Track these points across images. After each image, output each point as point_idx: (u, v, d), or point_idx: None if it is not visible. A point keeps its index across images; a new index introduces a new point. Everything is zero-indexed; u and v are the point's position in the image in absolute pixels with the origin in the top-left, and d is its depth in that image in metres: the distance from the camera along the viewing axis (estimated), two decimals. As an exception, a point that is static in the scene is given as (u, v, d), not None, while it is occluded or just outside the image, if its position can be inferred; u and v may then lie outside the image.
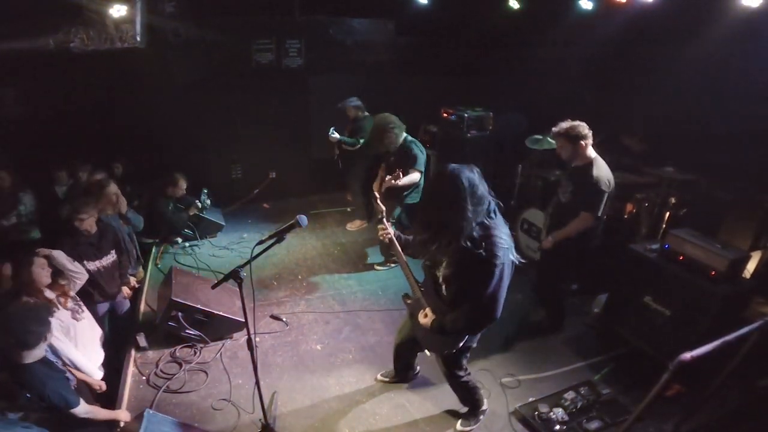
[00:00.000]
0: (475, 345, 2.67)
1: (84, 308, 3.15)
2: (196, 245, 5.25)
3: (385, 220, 2.70)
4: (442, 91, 6.17)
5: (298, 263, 5.01)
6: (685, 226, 3.52)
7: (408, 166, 4.29)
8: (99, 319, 3.49)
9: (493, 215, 2.24)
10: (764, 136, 3.75)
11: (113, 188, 4.07)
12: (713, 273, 3.10)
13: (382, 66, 6.42)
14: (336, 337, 3.89)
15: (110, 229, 3.69)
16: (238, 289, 2.38)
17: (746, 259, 3.29)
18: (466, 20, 6.10)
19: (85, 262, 3.38)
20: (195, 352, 3.62)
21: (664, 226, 4.20)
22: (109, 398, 3.05)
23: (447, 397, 3.20)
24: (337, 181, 6.13)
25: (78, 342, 2.95)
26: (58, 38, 4.28)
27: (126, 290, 3.84)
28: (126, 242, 3.98)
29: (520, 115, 5.90)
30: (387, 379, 3.40)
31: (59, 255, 3.06)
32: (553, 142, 3.74)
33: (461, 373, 2.82)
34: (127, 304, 3.92)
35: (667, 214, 4.22)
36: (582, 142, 3.34)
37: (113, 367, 3.29)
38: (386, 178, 3.87)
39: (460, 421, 3.05)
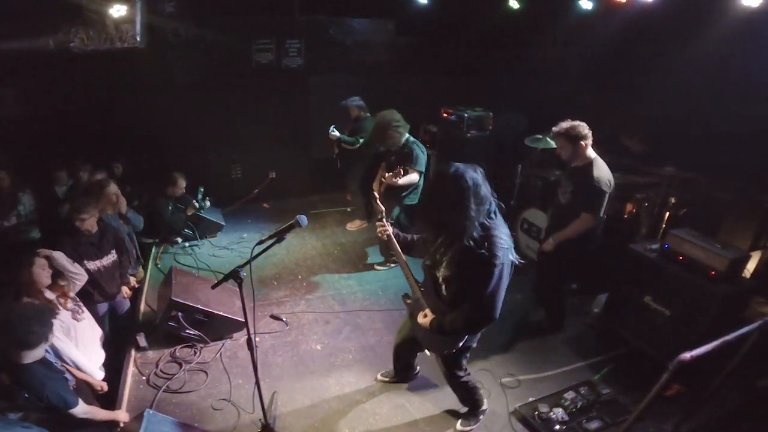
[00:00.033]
0: (474, 345, 2.67)
1: (84, 309, 3.16)
2: (196, 245, 5.26)
3: (384, 219, 2.70)
4: (442, 91, 6.17)
5: (298, 263, 5.01)
6: (685, 226, 3.52)
7: (408, 166, 4.28)
8: (99, 319, 3.49)
9: (493, 216, 2.24)
10: (764, 136, 3.75)
11: (113, 188, 4.07)
12: (713, 273, 3.10)
13: (382, 66, 6.42)
14: (336, 337, 3.89)
15: (111, 229, 3.69)
16: (238, 289, 2.38)
17: (746, 258, 3.29)
18: (466, 20, 6.10)
19: (85, 261, 3.39)
20: (195, 352, 3.62)
21: (664, 226, 4.20)
22: (109, 398, 3.05)
23: (447, 397, 3.20)
24: (337, 181, 6.13)
25: (78, 342, 2.96)
26: (58, 38, 4.28)
27: (126, 290, 3.84)
28: (126, 242, 3.98)
29: (520, 115, 5.90)
30: (387, 379, 3.40)
31: (60, 256, 3.06)
32: (553, 142, 3.74)
33: (461, 374, 2.82)
34: (127, 304, 3.92)
35: (667, 214, 4.22)
36: (582, 143, 3.34)
37: (113, 367, 3.29)
38: (387, 175, 3.85)
39: (460, 421, 3.05)
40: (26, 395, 2.35)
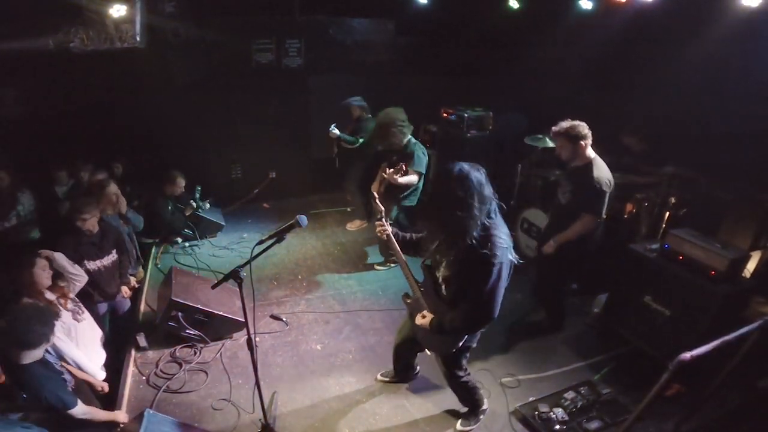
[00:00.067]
0: (474, 345, 2.67)
1: (83, 309, 3.16)
2: (196, 245, 5.26)
3: (383, 219, 2.70)
4: (442, 91, 6.17)
5: (298, 263, 5.01)
6: (685, 226, 3.52)
7: (408, 166, 4.28)
8: (99, 319, 3.50)
9: (492, 215, 2.24)
10: (764, 136, 3.75)
11: (113, 188, 4.08)
12: (713, 273, 3.10)
13: (382, 66, 6.42)
14: (336, 337, 3.89)
15: (112, 229, 3.69)
16: (238, 289, 2.38)
17: (746, 258, 3.28)
18: (466, 20, 6.10)
19: (86, 261, 3.39)
20: (195, 352, 3.62)
21: (664, 225, 4.19)
22: (109, 398, 3.05)
23: (447, 397, 3.20)
24: (337, 181, 6.12)
25: (79, 343, 2.96)
26: (58, 38, 4.28)
27: (126, 290, 3.84)
28: (126, 242, 3.98)
29: (520, 115, 5.90)
30: (387, 379, 3.40)
31: (60, 257, 3.07)
32: (552, 143, 3.74)
33: (461, 373, 2.82)
34: (127, 304, 3.92)
35: (667, 213, 4.21)
36: (582, 142, 3.33)
37: (113, 367, 3.29)
38: (389, 171, 3.84)
39: (460, 421, 3.05)
40: (24, 395, 2.35)
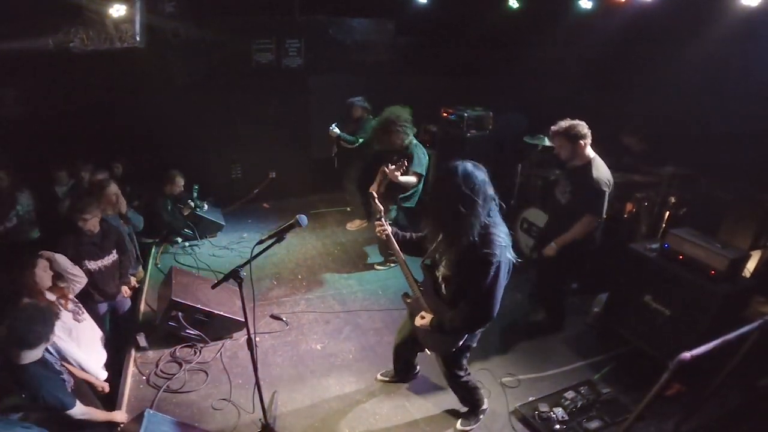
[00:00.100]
0: (475, 344, 2.67)
1: (83, 310, 3.16)
2: (196, 245, 5.26)
3: (383, 219, 2.70)
4: (442, 91, 6.17)
5: (298, 263, 5.01)
6: (685, 226, 3.52)
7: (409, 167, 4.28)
8: (99, 319, 3.50)
9: (491, 214, 2.25)
10: (764, 136, 3.75)
11: (113, 188, 4.08)
12: (713, 272, 3.10)
13: (382, 66, 6.42)
14: (336, 336, 3.89)
15: (113, 229, 3.69)
16: (238, 289, 2.38)
17: (746, 258, 3.29)
18: (466, 20, 6.10)
19: (86, 262, 3.39)
20: (195, 352, 3.62)
21: (664, 225, 4.20)
22: (109, 398, 3.05)
23: (447, 397, 3.20)
24: (337, 181, 6.12)
25: (81, 343, 2.96)
26: (58, 38, 4.28)
27: (126, 290, 3.84)
28: (126, 242, 3.98)
29: (520, 114, 5.90)
30: (387, 379, 3.40)
31: (61, 258, 3.07)
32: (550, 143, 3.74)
33: (461, 373, 2.82)
34: (128, 303, 3.92)
35: (667, 213, 4.22)
36: (581, 142, 3.33)
37: (114, 367, 3.29)
38: (390, 168, 3.82)
39: (460, 421, 3.05)
40: (24, 395, 2.35)
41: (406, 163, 3.83)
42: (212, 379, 3.39)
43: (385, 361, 3.49)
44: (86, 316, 3.16)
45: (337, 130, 5.36)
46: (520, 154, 5.46)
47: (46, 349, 2.60)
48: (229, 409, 3.16)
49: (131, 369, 3.44)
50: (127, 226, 4.27)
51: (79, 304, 3.14)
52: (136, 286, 4.11)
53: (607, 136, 3.89)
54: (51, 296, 2.91)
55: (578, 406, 3.11)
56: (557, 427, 2.96)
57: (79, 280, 3.15)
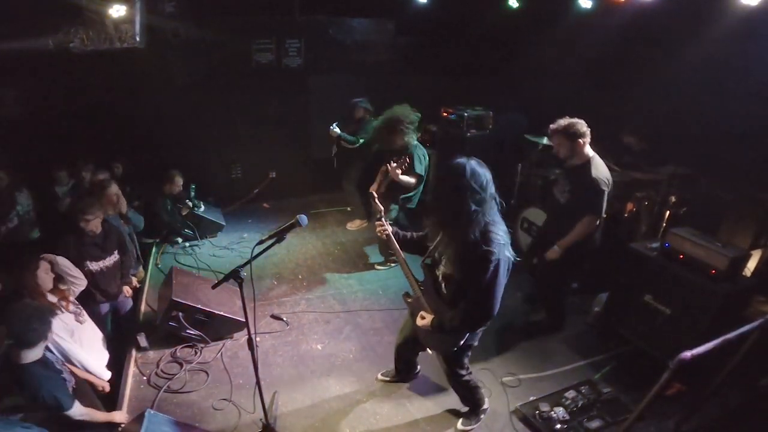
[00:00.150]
0: (476, 343, 2.67)
1: (84, 312, 3.16)
2: (196, 245, 5.26)
3: (383, 218, 2.71)
4: (442, 90, 6.17)
5: (298, 263, 5.01)
6: (686, 225, 3.52)
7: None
8: (101, 319, 3.50)
9: (491, 213, 2.25)
10: (764, 136, 3.75)
11: (114, 189, 4.08)
12: (713, 272, 3.10)
13: (382, 66, 6.42)
14: (336, 336, 3.89)
15: (114, 230, 3.69)
16: (238, 289, 2.38)
17: (746, 257, 3.29)
18: (466, 20, 6.10)
19: (88, 262, 3.39)
20: (196, 352, 3.62)
21: (664, 224, 4.20)
22: (110, 398, 3.05)
23: (448, 397, 3.20)
24: (337, 181, 6.12)
25: (83, 344, 2.97)
26: (58, 38, 4.28)
27: (127, 290, 3.84)
28: (127, 242, 3.98)
29: (520, 114, 5.90)
30: (387, 379, 3.40)
31: (62, 261, 3.08)
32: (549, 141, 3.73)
33: (463, 372, 2.83)
34: (129, 303, 3.92)
35: (668, 212, 4.22)
36: (580, 140, 3.32)
37: (115, 367, 3.29)
38: (391, 165, 3.80)
39: (461, 420, 3.05)
40: (23, 395, 2.35)
41: (407, 161, 3.81)
42: (213, 379, 3.39)
43: (385, 361, 3.49)
44: (87, 317, 3.16)
45: (337, 130, 5.36)
46: (520, 154, 5.46)
47: (48, 349, 2.61)
48: (229, 409, 3.16)
49: (132, 369, 3.44)
50: (128, 226, 4.27)
51: (80, 306, 3.15)
52: (137, 286, 4.11)
53: (607, 136, 3.89)
54: (52, 298, 2.92)
55: (579, 405, 3.11)
56: (558, 426, 2.96)
57: (79, 282, 3.15)
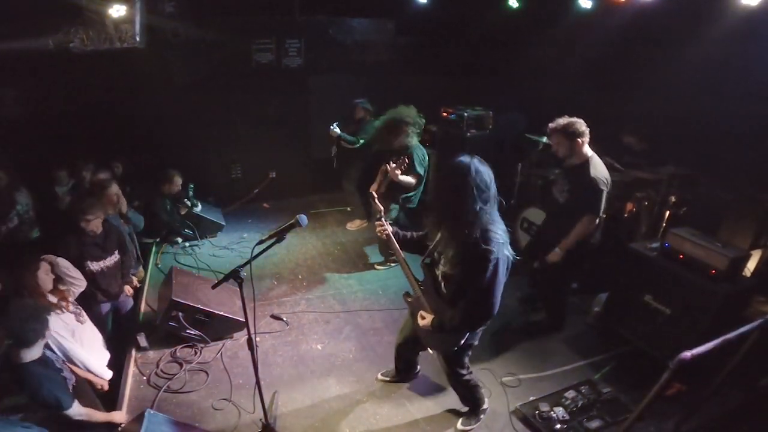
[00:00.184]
0: (476, 343, 2.67)
1: (83, 312, 3.16)
2: (196, 245, 5.26)
3: (383, 218, 2.71)
4: (442, 90, 6.17)
5: (298, 263, 5.01)
6: (685, 225, 3.52)
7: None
8: (102, 319, 3.50)
9: (491, 212, 2.26)
10: (764, 136, 3.75)
11: (114, 189, 4.08)
12: (713, 272, 3.10)
13: (382, 66, 6.42)
14: (336, 336, 3.89)
15: (115, 230, 3.69)
16: (238, 289, 2.38)
17: (746, 257, 3.29)
18: (466, 20, 6.10)
19: (88, 262, 3.39)
20: (195, 352, 3.62)
21: (664, 224, 4.20)
22: (110, 398, 3.05)
23: (448, 397, 3.21)
24: (337, 181, 6.13)
25: (83, 344, 2.97)
26: (58, 38, 4.28)
27: (128, 289, 3.85)
28: (127, 242, 3.98)
29: (520, 114, 5.90)
30: (387, 379, 3.40)
31: (62, 262, 3.08)
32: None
33: (463, 372, 2.83)
34: (130, 303, 3.92)
35: (667, 212, 4.22)
36: (579, 140, 3.32)
37: (115, 367, 3.29)
38: (391, 166, 3.81)
39: (460, 420, 3.05)
40: (24, 394, 2.35)
41: (407, 161, 3.82)
42: (213, 379, 3.39)
43: (385, 361, 3.49)
44: (86, 317, 3.16)
45: (337, 130, 5.36)
46: (520, 154, 5.46)
47: (49, 348, 2.61)
48: (229, 409, 3.16)
49: (132, 369, 3.44)
50: (128, 226, 4.27)
51: (79, 307, 3.15)
52: (138, 285, 4.11)
53: (607, 136, 3.89)
54: (52, 298, 2.92)
55: (579, 405, 3.11)
56: (558, 426, 2.96)
57: (78, 283, 3.15)
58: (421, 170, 4.38)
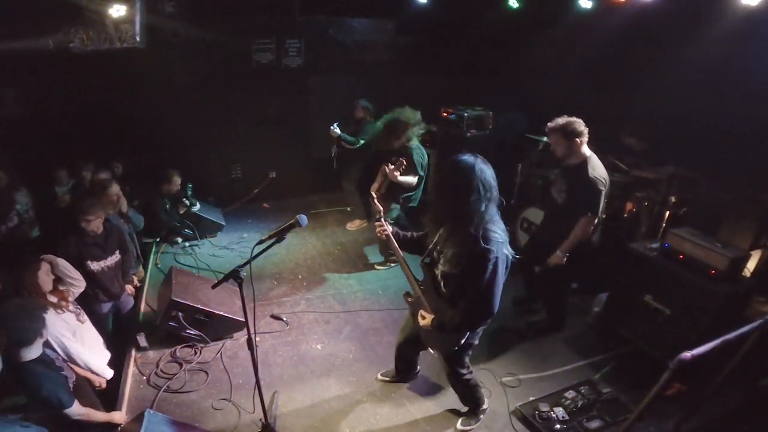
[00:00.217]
0: (476, 342, 2.67)
1: (83, 312, 3.16)
2: (196, 245, 5.26)
3: (382, 219, 2.71)
4: (442, 90, 6.17)
5: (298, 263, 5.01)
6: (685, 225, 3.52)
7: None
8: (102, 319, 3.50)
9: (491, 211, 2.26)
10: (764, 136, 3.75)
11: (115, 188, 4.08)
12: (713, 272, 3.10)
13: (382, 66, 6.42)
14: (336, 336, 3.89)
15: (116, 230, 3.69)
16: (238, 289, 2.38)
17: (746, 257, 3.28)
18: (466, 20, 6.10)
19: (89, 262, 3.39)
20: (195, 352, 3.62)
21: (664, 225, 4.20)
22: (109, 398, 3.05)
23: (448, 397, 3.21)
24: (337, 181, 6.13)
25: (84, 343, 2.97)
26: (58, 38, 4.28)
27: (129, 288, 3.85)
28: (127, 241, 3.98)
29: (520, 114, 5.90)
30: (387, 379, 3.40)
31: (62, 262, 3.08)
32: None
33: (464, 371, 2.83)
34: (131, 302, 3.92)
35: (667, 213, 4.22)
36: (577, 140, 3.31)
37: (115, 367, 3.29)
38: (390, 167, 3.82)
39: (460, 420, 3.05)
40: (24, 393, 2.35)
41: (405, 163, 3.82)
42: (212, 379, 3.39)
43: (385, 361, 3.49)
44: (86, 317, 3.16)
45: (337, 131, 5.36)
46: (520, 154, 5.46)
47: (50, 347, 2.61)
48: (229, 409, 3.16)
49: (131, 369, 3.44)
50: (128, 225, 4.27)
51: (79, 306, 3.15)
52: (138, 285, 4.11)
53: (607, 136, 3.89)
54: (52, 298, 2.92)
55: (579, 405, 3.11)
56: (558, 426, 2.96)
57: (77, 284, 3.15)
58: (420, 170, 4.38)
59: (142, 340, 3.64)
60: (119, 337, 3.65)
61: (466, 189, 2.17)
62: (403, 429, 3.05)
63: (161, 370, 3.44)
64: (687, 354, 1.85)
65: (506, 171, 5.26)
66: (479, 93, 5.97)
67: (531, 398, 3.23)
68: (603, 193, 3.30)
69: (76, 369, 2.77)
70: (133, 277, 3.97)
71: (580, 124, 3.31)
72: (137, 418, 2.58)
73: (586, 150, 3.37)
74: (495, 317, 2.36)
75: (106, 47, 4.42)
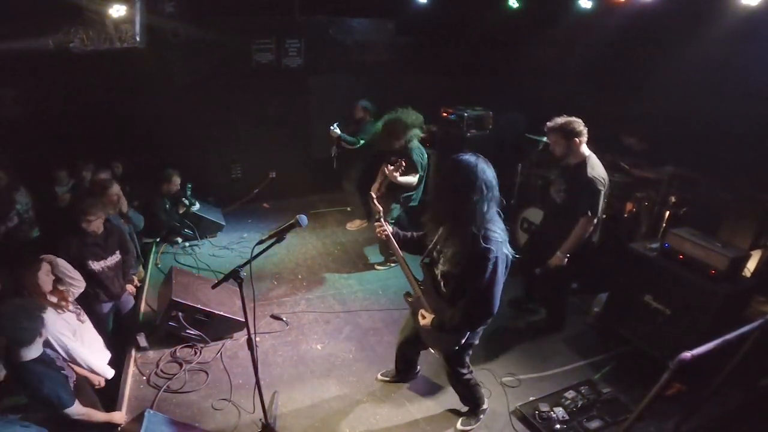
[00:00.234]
0: (477, 342, 2.67)
1: (83, 312, 3.16)
2: (196, 245, 5.26)
3: (382, 219, 2.71)
4: (442, 90, 6.17)
5: (298, 263, 5.01)
6: (685, 225, 3.52)
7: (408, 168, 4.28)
8: (103, 319, 3.50)
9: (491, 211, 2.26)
10: (764, 136, 3.75)
11: (115, 189, 4.08)
12: (713, 272, 3.10)
13: (382, 66, 6.43)
14: (336, 336, 3.89)
15: (116, 229, 3.69)
16: (238, 289, 2.38)
17: (746, 257, 3.29)
18: (466, 20, 6.10)
19: (90, 262, 3.39)
20: (195, 352, 3.62)
21: (664, 225, 4.20)
22: (109, 398, 3.05)
23: (447, 397, 3.21)
24: (337, 181, 6.13)
25: (84, 343, 2.97)
26: (58, 38, 4.28)
27: (130, 288, 3.85)
28: (128, 241, 3.99)
29: (520, 114, 5.90)
30: (387, 379, 3.40)
31: (62, 262, 3.08)
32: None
33: (464, 371, 2.83)
34: (131, 302, 3.92)
35: (667, 213, 4.22)
36: (576, 139, 3.31)
37: (115, 367, 3.29)
38: (389, 168, 3.82)
39: (460, 420, 3.05)
40: (25, 393, 2.35)
41: (404, 163, 3.83)
42: (212, 379, 3.39)
43: (385, 361, 3.49)
44: (86, 317, 3.16)
45: (338, 131, 5.35)
46: (520, 154, 5.46)
47: (51, 347, 2.61)
48: (229, 409, 3.16)
49: (131, 369, 3.44)
50: (128, 226, 4.27)
51: (79, 306, 3.15)
52: (138, 284, 4.11)
53: (607, 137, 3.88)
54: (52, 298, 2.92)
55: (579, 405, 3.11)
56: (558, 426, 2.96)
57: (77, 284, 3.15)
58: (420, 170, 4.38)
59: (142, 340, 3.64)
60: (119, 337, 3.65)
61: (467, 189, 2.16)
62: (403, 429, 3.05)
63: (161, 370, 3.44)
64: (687, 354, 1.85)
65: (506, 171, 5.26)
66: (479, 93, 5.97)
67: (531, 398, 3.23)
68: (602, 192, 3.30)
69: (77, 369, 2.77)
70: (134, 277, 3.97)
71: (579, 124, 3.31)
72: (137, 418, 2.58)
73: (585, 150, 3.37)
74: (495, 317, 2.36)
75: (106, 47, 4.42)
